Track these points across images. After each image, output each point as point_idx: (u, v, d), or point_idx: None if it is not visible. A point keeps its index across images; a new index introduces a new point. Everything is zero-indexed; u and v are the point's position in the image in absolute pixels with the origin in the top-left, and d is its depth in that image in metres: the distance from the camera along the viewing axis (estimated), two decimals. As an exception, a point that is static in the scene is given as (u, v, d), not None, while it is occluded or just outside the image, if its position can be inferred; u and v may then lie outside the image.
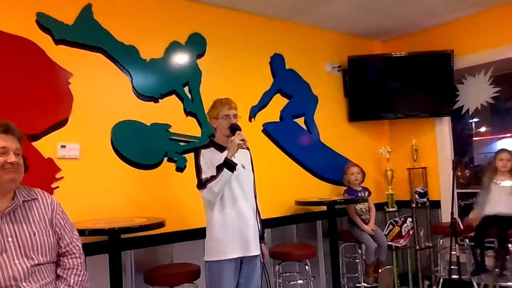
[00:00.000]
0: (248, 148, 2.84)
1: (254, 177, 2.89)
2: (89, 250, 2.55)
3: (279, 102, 4.43)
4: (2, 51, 2.95)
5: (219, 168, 2.75)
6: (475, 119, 5.03)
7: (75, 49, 3.26)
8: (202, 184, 2.79)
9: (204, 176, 2.80)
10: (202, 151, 2.89)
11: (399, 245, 4.64)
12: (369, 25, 4.86)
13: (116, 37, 3.45)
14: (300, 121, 4.60)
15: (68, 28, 3.23)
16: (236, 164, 2.77)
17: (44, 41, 3.12)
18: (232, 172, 2.76)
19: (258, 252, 2.89)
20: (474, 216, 4.18)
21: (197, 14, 3.92)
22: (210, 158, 2.85)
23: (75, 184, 3.14)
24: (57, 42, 3.18)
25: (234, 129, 2.84)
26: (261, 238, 2.98)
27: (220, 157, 2.82)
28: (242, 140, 2.77)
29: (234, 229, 2.83)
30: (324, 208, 4.34)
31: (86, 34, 3.31)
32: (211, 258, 2.83)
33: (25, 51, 3.04)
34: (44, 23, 3.13)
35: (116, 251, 2.87)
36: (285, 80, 4.49)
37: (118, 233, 2.81)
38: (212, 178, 2.75)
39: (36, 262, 1.86)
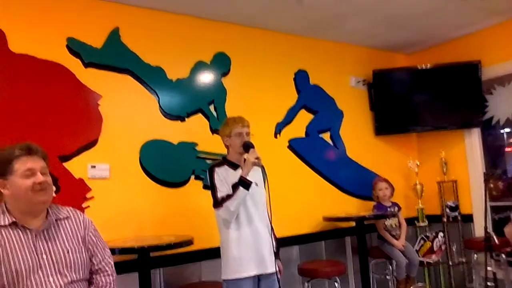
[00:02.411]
0: (262, 166, 2.84)
1: (269, 195, 2.86)
2: (119, 268, 2.56)
3: (304, 118, 4.44)
4: (35, 76, 3.06)
5: (235, 187, 2.77)
6: (507, 130, 4.90)
7: (104, 71, 3.35)
8: (218, 203, 2.80)
9: (220, 194, 2.81)
10: (216, 169, 2.89)
11: (431, 261, 4.53)
12: (393, 39, 4.84)
13: (143, 59, 3.54)
14: (326, 136, 4.58)
15: (97, 51, 3.33)
16: (251, 182, 2.79)
17: (74, 65, 3.23)
18: (248, 190, 2.77)
19: (274, 269, 2.87)
20: (509, 230, 4.05)
21: (221, 33, 3.99)
22: (224, 176, 2.87)
23: (105, 203, 3.20)
24: (87, 65, 3.28)
25: (247, 146, 2.85)
26: (276, 255, 2.95)
27: (233, 175, 2.85)
28: (257, 158, 2.78)
29: (249, 246, 2.82)
30: (353, 224, 4.29)
31: (114, 57, 3.40)
32: (229, 277, 2.82)
33: (56, 75, 3.15)
34: (74, 47, 3.24)
35: (145, 270, 2.89)
36: (309, 95, 4.50)
37: (147, 251, 2.84)
38: (228, 197, 2.76)
39: (70, 279, 1.89)
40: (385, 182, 4.48)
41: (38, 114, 3.04)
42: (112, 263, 2.11)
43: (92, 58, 3.30)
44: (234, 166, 2.94)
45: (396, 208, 4.43)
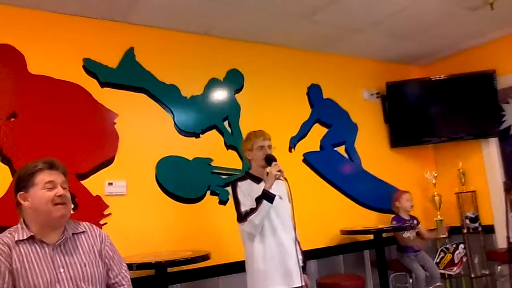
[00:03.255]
0: (285, 179, 2.83)
1: (292, 208, 2.87)
2: (136, 284, 2.58)
3: (318, 132, 4.44)
4: (53, 96, 3.15)
5: (258, 200, 2.75)
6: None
7: (119, 90, 3.43)
8: (242, 217, 2.79)
9: (243, 209, 2.80)
10: (239, 183, 2.90)
11: (452, 273, 4.43)
12: (405, 51, 4.85)
13: (158, 77, 3.61)
14: (341, 149, 4.58)
15: (113, 71, 3.42)
16: (275, 195, 2.77)
17: (90, 85, 3.31)
18: (271, 203, 2.76)
19: (301, 284, 2.83)
20: None
21: (234, 50, 4.05)
22: (248, 190, 2.86)
23: (122, 220, 3.24)
24: (103, 85, 3.36)
25: (269, 160, 2.85)
26: (303, 269, 2.92)
27: (257, 188, 2.84)
28: (279, 171, 2.77)
29: (275, 260, 2.79)
30: (371, 237, 4.24)
31: (130, 76, 3.48)
32: None
33: (73, 95, 3.23)
34: (90, 67, 3.32)
35: (163, 285, 2.90)
36: (323, 109, 4.52)
37: (164, 266, 2.84)
38: (252, 210, 2.75)
39: (87, 293, 1.91)
40: (409, 193, 4.45)
41: (56, 133, 3.11)
42: (129, 277, 2.13)
43: (108, 78, 3.38)
44: (257, 180, 2.94)
45: (415, 221, 4.38)
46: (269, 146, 2.95)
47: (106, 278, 2.03)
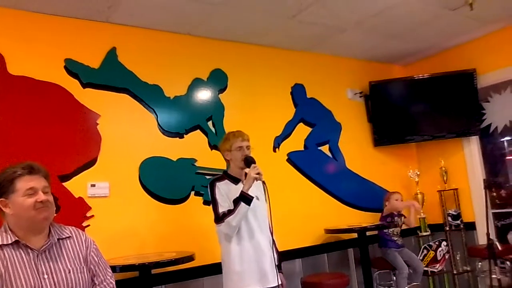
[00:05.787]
0: (264, 182, 2.84)
1: (270, 208, 2.83)
2: (120, 287, 2.57)
3: (302, 131, 4.46)
4: (34, 97, 3.11)
5: (236, 202, 2.75)
6: (508, 138, 4.87)
7: (101, 91, 3.39)
8: (219, 218, 2.78)
9: (221, 210, 2.79)
10: (217, 184, 2.88)
11: (435, 270, 4.50)
12: (388, 50, 4.89)
13: (141, 77, 3.58)
14: (325, 148, 4.60)
15: (95, 71, 3.38)
16: (253, 198, 2.77)
17: (72, 85, 3.27)
18: (249, 205, 2.76)
19: (276, 283, 2.85)
20: None
21: (217, 50, 4.04)
22: (226, 190, 2.85)
23: (105, 221, 3.21)
24: (85, 85, 3.32)
25: (248, 162, 2.84)
26: (279, 268, 2.93)
27: (235, 189, 2.84)
28: (258, 173, 2.77)
29: (251, 261, 2.80)
30: (355, 235, 4.27)
31: (112, 76, 3.45)
32: None
33: (54, 95, 3.19)
34: (72, 68, 3.28)
35: (147, 287, 2.88)
36: (307, 109, 4.53)
37: (148, 268, 2.83)
38: (230, 212, 2.75)
39: (71, 299, 1.88)
40: (398, 193, 4.50)
41: (38, 135, 3.07)
42: (114, 283, 2.10)
43: (90, 78, 3.34)
44: (235, 180, 2.93)
45: (396, 218, 4.42)
46: (248, 147, 2.95)
47: (91, 284, 2.01)
